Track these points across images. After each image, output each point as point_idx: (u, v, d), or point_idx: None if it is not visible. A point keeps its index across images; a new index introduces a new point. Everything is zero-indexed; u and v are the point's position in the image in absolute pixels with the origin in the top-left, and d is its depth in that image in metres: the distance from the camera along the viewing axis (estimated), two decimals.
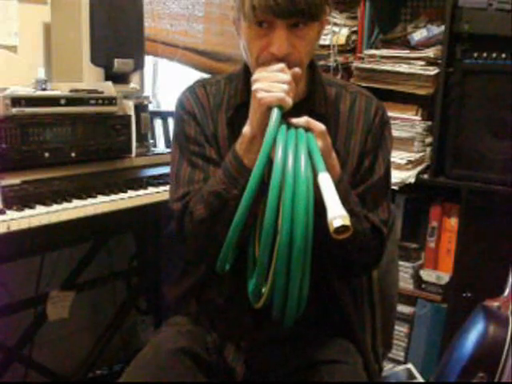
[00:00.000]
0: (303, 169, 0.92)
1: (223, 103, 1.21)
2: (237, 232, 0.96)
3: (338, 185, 0.96)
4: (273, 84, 1.00)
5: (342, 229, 0.85)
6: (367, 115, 1.19)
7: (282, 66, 1.03)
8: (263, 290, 0.99)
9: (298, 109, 1.06)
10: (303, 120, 1.02)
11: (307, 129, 1.01)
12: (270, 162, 0.96)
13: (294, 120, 1.02)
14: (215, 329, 1.23)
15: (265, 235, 0.92)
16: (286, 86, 1.00)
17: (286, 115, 1.03)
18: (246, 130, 1.04)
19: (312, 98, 1.18)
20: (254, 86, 1.02)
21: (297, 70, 1.04)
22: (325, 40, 2.34)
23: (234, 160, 1.06)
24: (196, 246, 1.17)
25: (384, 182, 1.21)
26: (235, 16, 1.11)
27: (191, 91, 1.23)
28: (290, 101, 1.00)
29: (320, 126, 1.02)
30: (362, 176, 1.18)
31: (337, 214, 0.85)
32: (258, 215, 1.08)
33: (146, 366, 1.12)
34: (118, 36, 1.85)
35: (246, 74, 1.18)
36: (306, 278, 0.94)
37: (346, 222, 0.85)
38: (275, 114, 0.98)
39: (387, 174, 1.21)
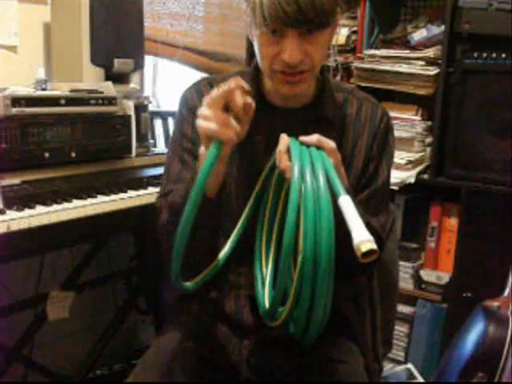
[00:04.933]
0: (323, 192, 0.91)
1: None
2: (181, 247, 0.95)
3: None
4: (212, 113, 0.96)
5: (368, 252, 0.86)
6: (373, 121, 1.21)
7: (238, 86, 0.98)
8: (280, 309, 0.99)
9: (306, 112, 1.06)
10: (314, 138, 1.01)
11: (318, 147, 1.00)
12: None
13: (305, 138, 1.01)
14: (218, 328, 1.23)
15: (284, 257, 0.91)
16: (225, 117, 0.95)
17: (294, 121, 1.02)
18: (202, 150, 1.02)
19: (320, 103, 1.19)
20: (199, 111, 0.99)
21: (249, 100, 0.98)
22: None
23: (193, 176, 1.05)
24: (163, 245, 1.18)
25: (386, 186, 1.23)
26: (248, 22, 1.10)
27: (196, 88, 1.23)
28: (227, 134, 0.95)
29: (331, 144, 1.01)
30: (366, 180, 1.19)
31: (364, 239, 0.85)
32: (256, 229, 1.08)
33: (153, 367, 1.12)
34: (118, 36, 1.85)
35: (257, 74, 1.18)
36: (330, 297, 0.94)
37: (373, 246, 0.85)
38: (210, 149, 0.94)
39: (388, 179, 1.23)
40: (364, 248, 0.85)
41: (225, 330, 1.22)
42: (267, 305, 1.03)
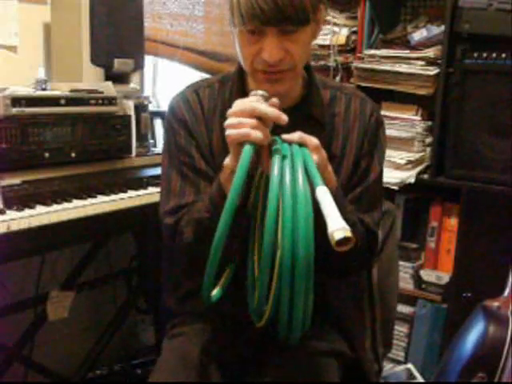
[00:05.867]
0: (301, 185, 0.91)
1: (217, 107, 1.19)
2: (214, 264, 0.95)
3: (335, 196, 0.95)
4: (242, 120, 0.98)
5: (344, 241, 0.85)
6: (363, 116, 1.20)
7: (258, 97, 1.01)
8: (265, 308, 0.99)
9: (294, 113, 1.05)
10: (296, 136, 1.01)
11: (301, 144, 1.00)
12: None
13: (287, 136, 1.01)
14: (224, 327, 1.23)
15: (265, 254, 0.91)
16: (255, 122, 0.97)
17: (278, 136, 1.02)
18: (227, 162, 1.03)
19: (308, 102, 1.18)
20: (226, 122, 1.00)
21: (274, 100, 1.02)
22: (325, 40, 2.34)
23: (218, 189, 1.06)
24: (186, 261, 1.21)
25: (379, 183, 1.22)
26: (229, 22, 1.10)
27: (182, 97, 1.21)
28: (259, 136, 0.96)
29: (314, 141, 1.01)
30: (359, 177, 1.18)
31: (338, 227, 0.85)
32: (250, 229, 1.07)
33: (174, 370, 1.13)
34: (118, 36, 1.85)
35: (241, 75, 1.18)
36: (310, 294, 0.93)
37: (348, 234, 0.85)
38: (245, 152, 0.95)
39: (381, 175, 1.22)
40: (337, 236, 0.84)
41: (226, 328, 1.22)
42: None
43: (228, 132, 0.99)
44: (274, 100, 1.02)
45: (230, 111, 1.01)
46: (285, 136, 1.01)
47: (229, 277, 1.09)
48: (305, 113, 1.17)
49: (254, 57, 1.06)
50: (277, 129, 1.03)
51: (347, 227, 0.85)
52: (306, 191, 0.91)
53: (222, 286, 1.08)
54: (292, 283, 0.90)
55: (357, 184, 1.18)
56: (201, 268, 1.02)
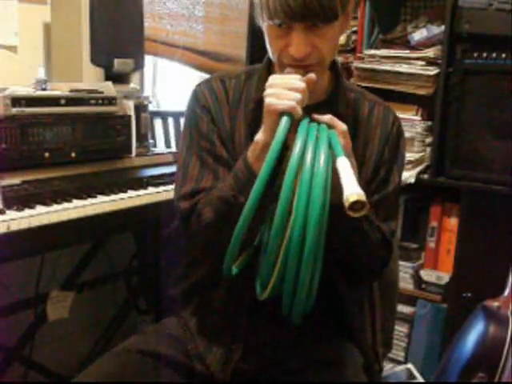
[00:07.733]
0: (322, 158, 0.92)
1: (242, 98, 1.19)
2: (239, 237, 0.95)
3: None
4: (284, 91, 0.99)
5: (358, 206, 0.85)
6: (385, 125, 1.20)
7: (297, 75, 1.03)
8: (270, 278, 0.97)
9: (319, 109, 1.05)
10: (327, 117, 1.02)
11: (329, 126, 1.01)
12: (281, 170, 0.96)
13: (318, 116, 1.02)
14: (204, 334, 1.21)
15: (277, 221, 0.91)
16: (298, 95, 0.99)
17: (307, 115, 1.02)
18: (259, 137, 1.03)
19: (334, 100, 1.18)
20: (266, 92, 1.01)
21: (312, 75, 1.03)
22: None
23: (245, 167, 1.05)
24: (202, 245, 1.18)
25: (397, 193, 1.21)
26: (257, 14, 1.10)
27: (207, 84, 1.22)
28: (299, 110, 0.98)
29: (343, 126, 1.01)
30: (376, 186, 1.18)
31: (353, 191, 0.85)
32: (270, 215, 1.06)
33: (132, 349, 1.15)
34: (118, 36, 1.86)
35: (269, 68, 1.18)
36: (317, 271, 0.93)
37: (362, 198, 0.85)
38: (284, 121, 0.97)
39: (399, 186, 1.22)
40: (352, 198, 0.85)
41: (214, 334, 1.21)
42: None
43: (270, 101, 0.99)
44: (312, 75, 1.03)
45: (271, 82, 1.02)
46: (315, 115, 1.02)
47: (246, 260, 1.08)
48: (330, 110, 1.14)
49: (281, 51, 1.06)
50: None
51: (362, 193, 0.86)
52: (326, 165, 0.91)
53: (238, 266, 1.06)
54: (300, 256, 0.90)
55: (375, 192, 1.17)
56: (219, 250, 1.02)
